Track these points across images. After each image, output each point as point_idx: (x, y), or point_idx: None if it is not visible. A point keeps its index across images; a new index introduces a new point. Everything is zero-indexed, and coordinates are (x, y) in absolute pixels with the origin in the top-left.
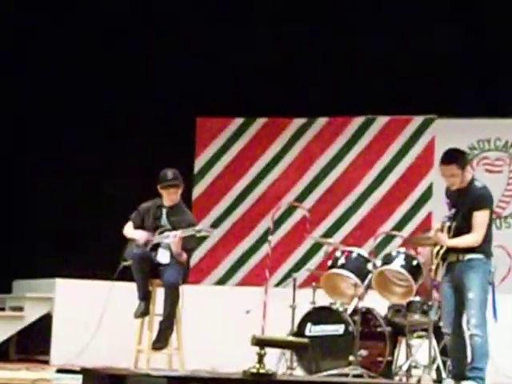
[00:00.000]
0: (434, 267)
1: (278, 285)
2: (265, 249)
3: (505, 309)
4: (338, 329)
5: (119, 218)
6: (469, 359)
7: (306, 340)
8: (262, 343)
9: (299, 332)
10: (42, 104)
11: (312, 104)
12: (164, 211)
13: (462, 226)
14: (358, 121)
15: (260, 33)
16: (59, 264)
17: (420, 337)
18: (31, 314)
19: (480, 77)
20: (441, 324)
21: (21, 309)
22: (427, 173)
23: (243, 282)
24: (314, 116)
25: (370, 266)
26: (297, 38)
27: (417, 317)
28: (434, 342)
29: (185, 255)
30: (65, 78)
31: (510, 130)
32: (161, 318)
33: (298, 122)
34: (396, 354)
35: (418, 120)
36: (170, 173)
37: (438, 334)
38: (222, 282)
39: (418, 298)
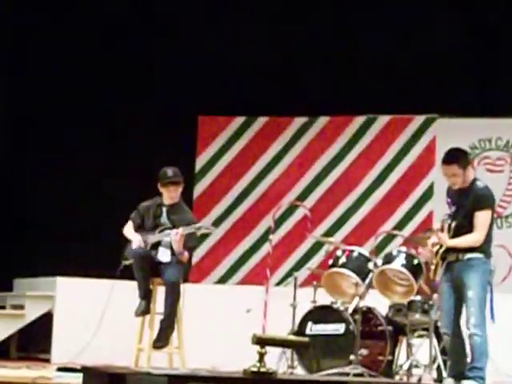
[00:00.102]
0: (433, 267)
1: (278, 284)
2: (266, 248)
3: (506, 308)
4: (339, 328)
5: (119, 218)
6: (468, 359)
7: (306, 339)
8: (262, 342)
9: (300, 331)
10: (41, 104)
11: (313, 103)
12: (164, 209)
13: (462, 225)
14: (359, 120)
15: (260, 32)
16: (60, 262)
17: (421, 336)
18: (32, 313)
19: (481, 76)
20: (440, 324)
21: (21, 307)
22: (428, 172)
23: (244, 281)
24: (315, 115)
25: (370, 265)
26: (297, 37)
27: (418, 316)
28: (434, 341)
29: (186, 254)
30: (65, 77)
31: (511, 129)
32: (161, 317)
33: (299, 121)
34: (397, 353)
35: (419, 119)
36: (170, 170)
37: (439, 334)
38: (222, 280)
39: (418, 298)
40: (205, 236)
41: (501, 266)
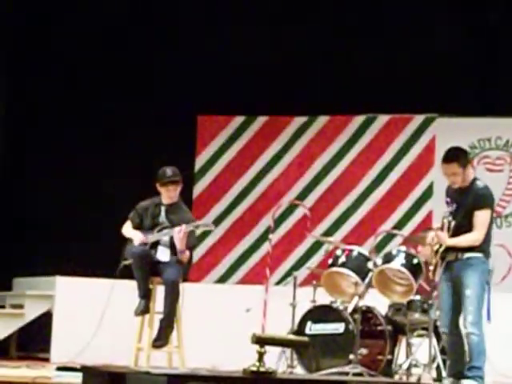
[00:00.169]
0: (431, 268)
1: (278, 283)
2: (265, 247)
3: (505, 308)
4: (339, 327)
5: (119, 218)
6: (467, 358)
7: (306, 338)
8: (262, 341)
9: (299, 330)
10: (41, 104)
11: (313, 102)
12: (163, 209)
13: (462, 224)
14: (359, 119)
15: (260, 32)
16: (59, 262)
17: (420, 335)
18: (31, 312)
19: (480, 76)
20: (438, 323)
21: (21, 306)
22: (428, 171)
23: (244, 281)
24: (314, 114)
25: (370, 265)
26: (297, 37)
27: (417, 315)
28: (434, 340)
29: (188, 253)
30: (65, 77)
31: (510, 128)
32: (161, 316)
33: (298, 121)
34: (396, 352)
35: (418, 119)
36: (169, 170)
37: (439, 333)
38: (222, 280)
39: (418, 297)
40: (205, 235)
41: (500, 266)
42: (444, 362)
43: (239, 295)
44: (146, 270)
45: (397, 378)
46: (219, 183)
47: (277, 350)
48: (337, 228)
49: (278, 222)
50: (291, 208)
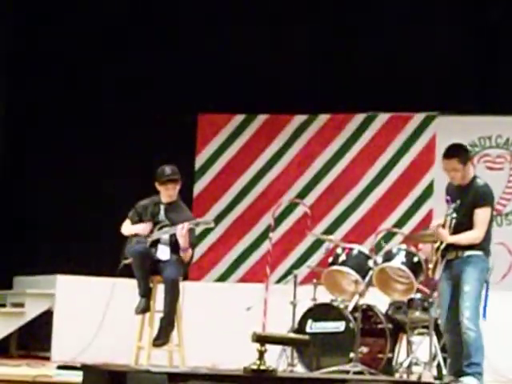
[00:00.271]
0: (431, 266)
1: (278, 281)
2: (266, 245)
3: (505, 306)
4: (339, 326)
5: (119, 218)
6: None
7: (306, 337)
8: (262, 340)
9: (300, 329)
10: (41, 104)
11: (313, 101)
12: (162, 208)
13: (462, 222)
14: (360, 118)
15: (260, 32)
16: (60, 260)
17: (421, 334)
18: (32, 311)
19: (481, 74)
20: (439, 322)
21: (21, 305)
22: (428, 170)
23: (244, 279)
24: (315, 113)
25: (370, 263)
26: (297, 36)
27: (417, 314)
28: (434, 338)
29: (190, 251)
30: (65, 77)
31: (511, 127)
32: (161, 315)
33: (299, 119)
34: (397, 350)
35: (419, 117)
36: (168, 168)
37: (439, 331)
38: (222, 278)
39: (418, 295)
40: (205, 233)
41: (501, 264)
42: (445, 360)
43: (239, 294)
44: (146, 268)
45: (397, 376)
46: (219, 182)
47: (277, 348)
48: (337, 226)
49: (279, 220)
50: (291, 206)
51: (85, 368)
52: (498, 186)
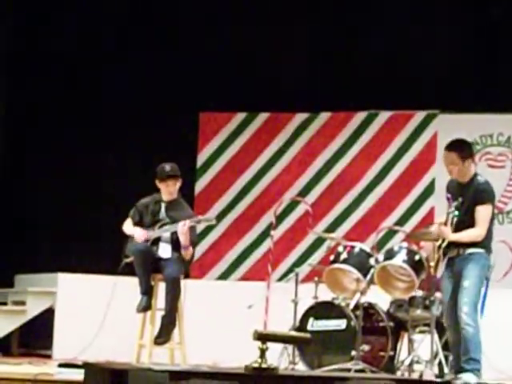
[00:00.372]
0: (433, 264)
1: (280, 279)
2: (267, 243)
3: (506, 304)
4: (340, 324)
5: (119, 218)
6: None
7: (308, 335)
8: (264, 338)
9: (301, 327)
10: (41, 104)
11: (314, 99)
12: (163, 205)
13: (463, 220)
14: (361, 116)
15: (261, 30)
16: (61, 259)
17: (422, 332)
18: (33, 309)
19: (482, 72)
20: (443, 319)
21: (23, 303)
22: (429, 168)
23: (245, 277)
24: (316, 111)
25: (372, 261)
26: (298, 34)
27: (419, 312)
28: (436, 336)
29: (191, 249)
30: (65, 77)
31: None
32: (163, 313)
33: (300, 117)
34: (398, 348)
35: (420, 115)
36: (167, 166)
37: (440, 329)
38: (224, 276)
39: (420, 293)
40: (206, 232)
41: (502, 262)
42: (446, 358)
43: (241, 292)
44: (148, 266)
45: (399, 374)
46: (221, 180)
47: (279, 346)
48: (339, 224)
49: (280, 218)
50: (293, 204)
51: (86, 366)
52: (499, 184)
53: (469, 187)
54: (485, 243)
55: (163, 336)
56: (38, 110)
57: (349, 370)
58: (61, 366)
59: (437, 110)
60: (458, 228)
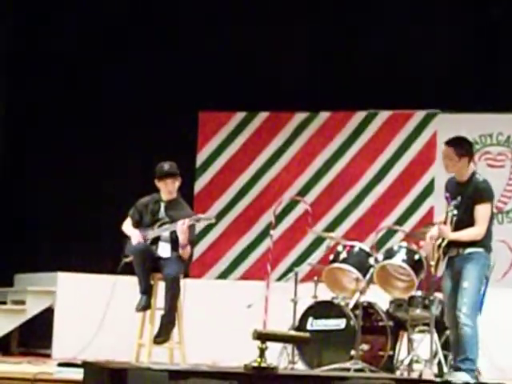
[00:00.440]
0: (433, 263)
1: (279, 279)
2: (266, 243)
3: (506, 303)
4: (340, 323)
5: (119, 218)
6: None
7: (307, 334)
8: (263, 337)
9: (301, 326)
10: (41, 104)
11: (314, 99)
12: (162, 205)
13: (462, 219)
14: (360, 115)
15: (261, 30)
16: (61, 258)
17: (421, 331)
18: (33, 308)
19: (482, 72)
20: (444, 319)
21: (22, 302)
22: (429, 167)
23: (245, 276)
24: (316, 110)
25: (371, 261)
26: (298, 34)
27: (418, 311)
28: (435, 336)
29: (189, 248)
30: (65, 77)
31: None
32: (162, 312)
33: (300, 117)
34: (397, 348)
35: (419, 115)
36: (166, 164)
37: (440, 329)
38: (223, 276)
39: (419, 293)
40: (206, 231)
41: (501, 261)
42: (445, 357)
43: (240, 291)
44: (147, 266)
45: (398, 373)
46: (220, 179)
47: (278, 345)
48: (338, 224)
49: (279, 217)
50: (292, 204)
51: (86, 365)
52: (498, 183)
53: (467, 186)
54: (484, 242)
55: (162, 335)
56: (38, 110)
57: (348, 370)
58: (60, 365)
59: (436, 109)
60: (457, 227)
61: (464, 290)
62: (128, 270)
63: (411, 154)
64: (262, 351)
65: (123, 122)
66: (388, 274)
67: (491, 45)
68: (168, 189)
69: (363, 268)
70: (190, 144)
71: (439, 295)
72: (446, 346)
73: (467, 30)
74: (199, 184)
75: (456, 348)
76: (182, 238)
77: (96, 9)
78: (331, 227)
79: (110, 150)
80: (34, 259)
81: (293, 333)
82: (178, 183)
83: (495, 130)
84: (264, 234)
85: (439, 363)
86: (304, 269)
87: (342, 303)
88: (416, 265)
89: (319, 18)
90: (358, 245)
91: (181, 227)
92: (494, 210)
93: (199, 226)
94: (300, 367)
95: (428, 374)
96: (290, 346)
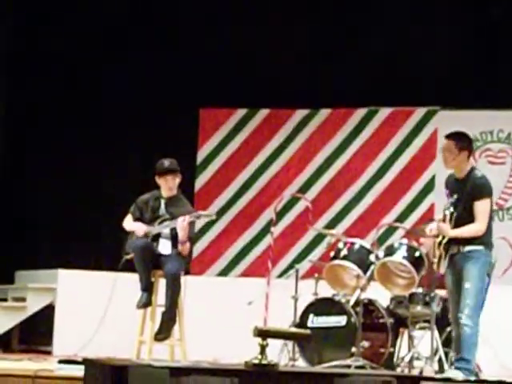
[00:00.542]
0: (435, 260)
1: (280, 276)
2: (267, 240)
3: (507, 300)
4: (341, 320)
5: (119, 217)
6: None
7: (308, 331)
8: (264, 334)
9: (301, 323)
10: (41, 104)
11: (315, 95)
12: (162, 202)
13: (462, 216)
14: (361, 112)
15: (261, 30)
16: (62, 255)
17: (422, 328)
18: (33, 305)
19: (482, 68)
20: (449, 315)
21: (23, 299)
22: (430, 164)
23: (245, 273)
24: (316, 107)
25: (372, 258)
26: (298, 31)
27: (419, 308)
28: (436, 333)
29: (188, 244)
30: (65, 77)
31: None
32: (163, 309)
33: (300, 114)
34: (398, 345)
35: (420, 111)
36: (166, 161)
37: (440, 326)
38: (224, 273)
39: (420, 290)
40: (206, 228)
41: (502, 258)
42: (446, 354)
43: (241, 288)
44: (148, 263)
45: (399, 370)
46: (221, 176)
47: (279, 342)
48: (339, 221)
49: (280, 214)
50: (293, 201)
51: (86, 362)
52: (499, 180)
53: (466, 182)
54: (484, 239)
55: (163, 332)
56: (38, 110)
57: (349, 367)
58: (61, 362)
59: (437, 106)
60: (457, 224)
61: (466, 290)
62: (129, 266)
63: (412, 151)
64: (263, 348)
65: (123, 122)
66: (389, 270)
67: (491, 45)
68: (168, 185)
69: (364, 265)
70: (191, 141)
71: (440, 292)
72: (446, 343)
73: (467, 30)
74: (200, 181)
75: (457, 345)
76: (182, 234)
77: (96, 9)
78: (332, 224)
79: (110, 149)
80: (36, 253)
81: (293, 330)
82: (178, 180)
83: (496, 126)
84: (265, 230)
85: (440, 360)
86: (305, 266)
87: (343, 300)
88: (417, 262)
89: (319, 17)
90: (358, 242)
91: (181, 224)
92: (495, 207)
93: (200, 223)
94: (301, 364)
95: (429, 371)
96: (290, 343)
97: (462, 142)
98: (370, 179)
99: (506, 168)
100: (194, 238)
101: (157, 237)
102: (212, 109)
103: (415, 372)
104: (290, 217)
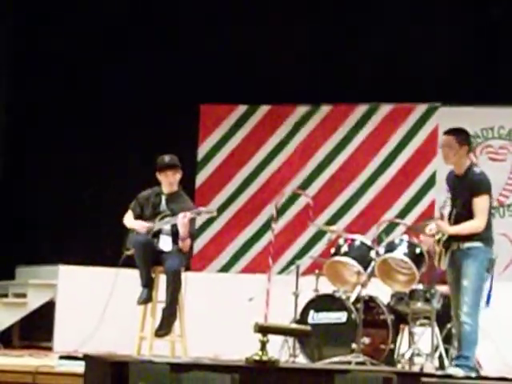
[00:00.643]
0: (436, 257)
1: (281, 272)
2: (268, 236)
3: (507, 297)
4: (341, 316)
5: (119, 217)
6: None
7: (308, 327)
8: (264, 330)
9: (302, 319)
10: (41, 104)
11: (316, 91)
12: (163, 198)
13: (462, 213)
14: (362, 109)
15: (261, 29)
16: (62, 250)
17: (423, 325)
18: (34, 301)
19: (483, 65)
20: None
21: (24, 295)
22: (430, 161)
23: (246, 270)
24: (317, 103)
25: (372, 254)
26: (298, 34)
27: (419, 305)
28: (436, 329)
29: (188, 241)
30: (65, 77)
31: None
32: (163, 305)
33: (301, 110)
34: (398, 341)
35: (421, 108)
36: (167, 157)
37: (441, 322)
38: (225, 269)
39: (420, 286)
40: (207, 224)
41: (503, 255)
42: (446, 351)
43: (242, 284)
44: (149, 259)
45: (399, 367)
46: (222, 172)
47: (279, 339)
48: (339, 217)
49: (281, 211)
50: (294, 197)
51: (87, 358)
52: (500, 177)
53: (464, 179)
54: (484, 235)
55: (164, 328)
56: (38, 110)
57: (349, 363)
58: (62, 358)
59: (438, 102)
60: (457, 221)
61: (464, 288)
62: (129, 263)
63: (413, 148)
64: (264, 344)
65: (123, 122)
66: (389, 267)
67: (491, 45)
68: (169, 180)
69: (364, 261)
70: (192, 137)
71: (440, 288)
72: (447, 340)
73: (467, 30)
74: (201, 177)
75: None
76: (182, 230)
77: (96, 9)
78: (333, 220)
79: (110, 149)
80: (37, 249)
81: (294, 326)
82: (178, 175)
83: (496, 123)
84: (265, 227)
85: (440, 357)
86: (305, 262)
87: (344, 296)
88: (417, 258)
89: (319, 17)
90: (359, 238)
91: (181, 220)
92: (496, 204)
93: (201, 220)
94: (301, 360)
95: (429, 368)
96: (291, 339)
97: (461, 136)
98: (370, 176)
99: (506, 165)
100: (194, 235)
101: (157, 233)
102: (213, 105)
103: (416, 368)
104: (291, 213)
